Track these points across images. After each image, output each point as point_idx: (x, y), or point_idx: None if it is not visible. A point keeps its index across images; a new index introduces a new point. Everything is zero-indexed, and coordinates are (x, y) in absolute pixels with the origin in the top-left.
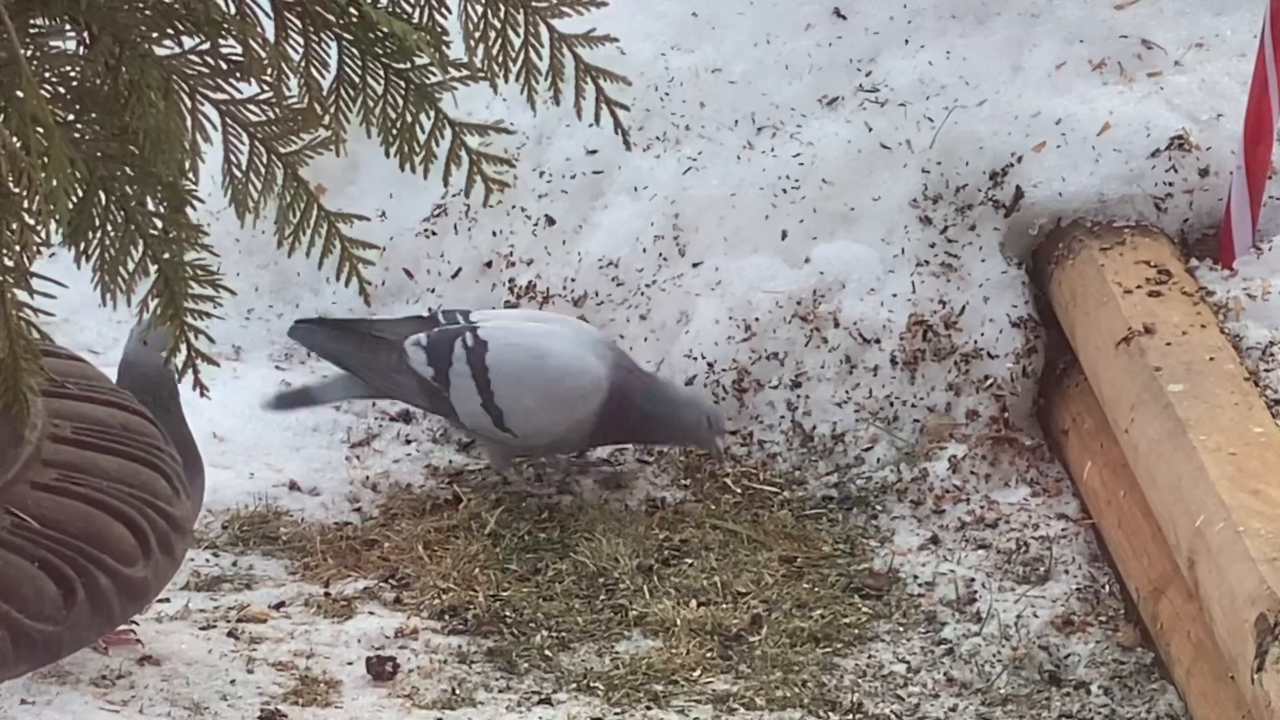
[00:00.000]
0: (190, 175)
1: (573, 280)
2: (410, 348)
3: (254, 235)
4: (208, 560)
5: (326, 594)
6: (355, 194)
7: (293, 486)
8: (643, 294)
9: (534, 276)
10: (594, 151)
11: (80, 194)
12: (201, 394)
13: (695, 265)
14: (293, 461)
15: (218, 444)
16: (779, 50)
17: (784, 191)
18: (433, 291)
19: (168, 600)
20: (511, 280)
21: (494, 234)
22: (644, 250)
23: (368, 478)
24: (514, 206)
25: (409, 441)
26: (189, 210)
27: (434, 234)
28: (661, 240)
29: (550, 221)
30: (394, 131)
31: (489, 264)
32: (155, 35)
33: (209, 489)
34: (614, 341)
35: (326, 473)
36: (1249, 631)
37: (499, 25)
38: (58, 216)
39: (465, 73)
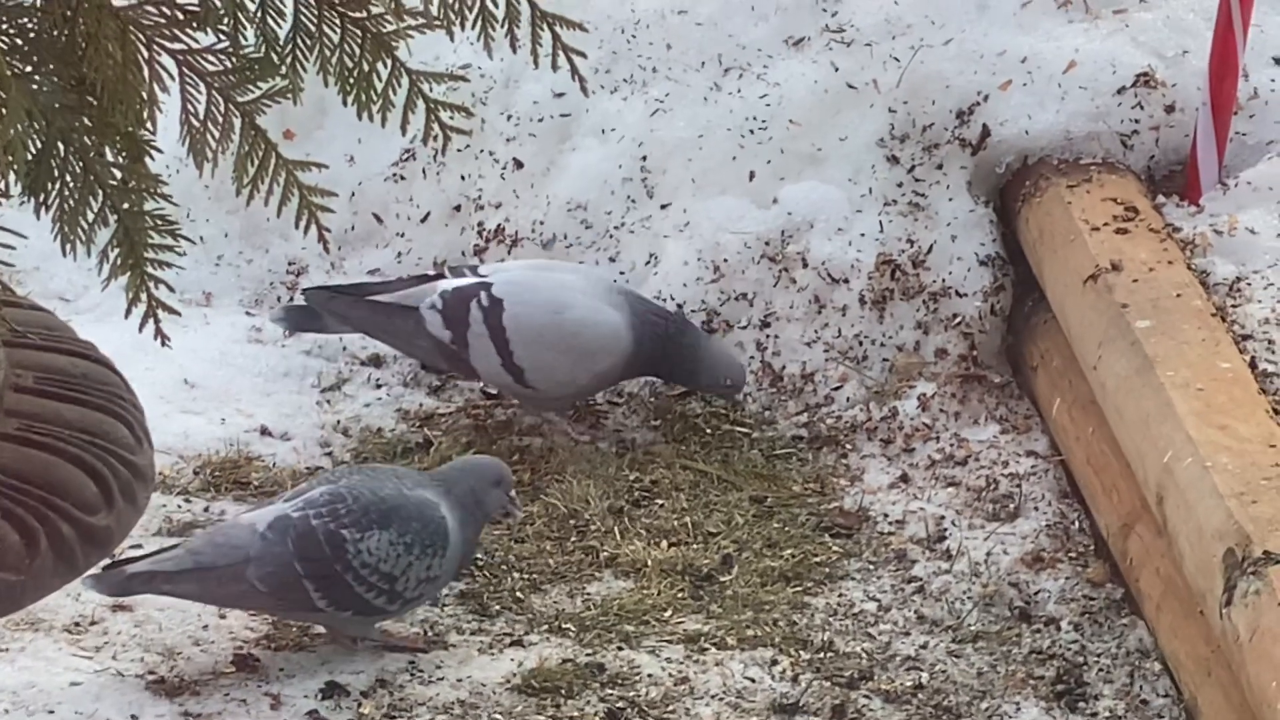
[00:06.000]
0: (149, 125)
1: (541, 223)
2: (426, 312)
3: (223, 182)
4: (179, 506)
5: None
6: (323, 138)
7: (264, 432)
8: (611, 236)
9: (503, 220)
10: (561, 95)
11: (39, 145)
12: (163, 344)
13: (664, 207)
14: (263, 407)
15: (188, 390)
16: None
17: (751, 133)
18: (402, 236)
19: (139, 546)
20: (480, 224)
21: (462, 178)
22: (612, 192)
23: (339, 422)
24: (482, 150)
25: (379, 386)
26: (148, 160)
27: (402, 178)
28: (630, 182)
29: (518, 165)
30: (351, 80)
31: (458, 208)
32: None
33: (181, 434)
34: (625, 285)
35: (297, 417)
36: (1217, 566)
37: None
38: (16, 168)
39: (421, 20)
